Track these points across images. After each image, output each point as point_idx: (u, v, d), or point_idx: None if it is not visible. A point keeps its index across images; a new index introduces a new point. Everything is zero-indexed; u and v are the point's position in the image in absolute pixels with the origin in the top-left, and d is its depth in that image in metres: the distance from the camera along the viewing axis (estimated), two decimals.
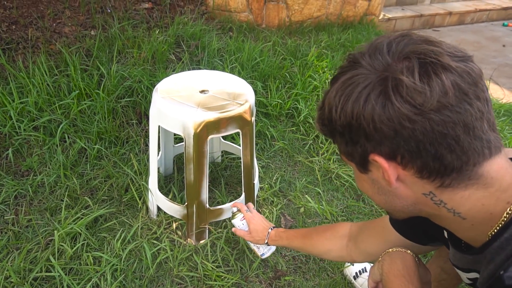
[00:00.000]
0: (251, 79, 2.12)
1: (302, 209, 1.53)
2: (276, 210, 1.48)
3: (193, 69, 2.15)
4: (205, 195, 1.26)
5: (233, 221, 1.20)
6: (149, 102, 1.85)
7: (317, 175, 1.73)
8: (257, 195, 1.49)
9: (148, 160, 1.62)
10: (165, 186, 1.56)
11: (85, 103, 1.77)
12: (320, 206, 1.51)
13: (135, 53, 2.10)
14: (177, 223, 1.37)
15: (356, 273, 1.26)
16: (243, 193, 1.35)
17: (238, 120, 1.17)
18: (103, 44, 2.16)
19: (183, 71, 2.11)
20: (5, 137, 1.67)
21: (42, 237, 1.29)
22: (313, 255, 1.08)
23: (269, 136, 1.90)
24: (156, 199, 1.36)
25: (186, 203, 1.27)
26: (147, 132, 1.79)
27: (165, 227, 1.37)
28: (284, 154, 1.83)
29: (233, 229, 1.21)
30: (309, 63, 2.43)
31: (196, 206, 1.27)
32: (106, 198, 1.47)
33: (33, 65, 1.92)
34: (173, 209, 1.31)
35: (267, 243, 1.13)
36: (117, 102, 1.82)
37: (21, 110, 1.72)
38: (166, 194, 1.50)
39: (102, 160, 1.63)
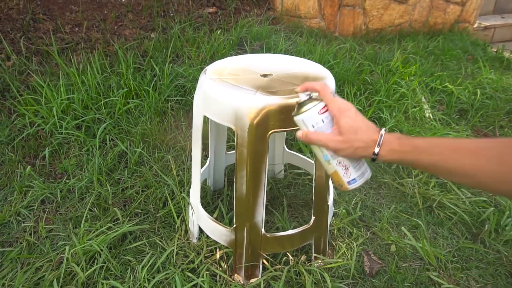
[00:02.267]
0: None
1: (393, 247, 1.10)
2: (356, 246, 1.08)
3: None
4: (260, 215, 0.91)
5: (302, 116, 0.67)
6: None
7: (411, 202, 1.29)
8: (330, 223, 1.10)
9: None
10: (212, 202, 1.25)
11: (133, 102, 1.56)
12: (420, 245, 1.07)
13: (194, 54, 1.89)
14: (221, 252, 1.04)
15: None
16: (313, 218, 0.98)
17: None
18: (161, 44, 1.99)
19: None
20: (46, 135, 1.51)
21: (56, 253, 1.03)
22: (484, 188, 0.57)
23: None
24: (198, 217, 1.04)
25: (234, 225, 0.93)
26: None
27: (206, 255, 1.04)
28: None
29: (299, 133, 0.68)
30: (393, 69, 2.02)
31: (248, 230, 0.92)
32: (140, 211, 1.19)
33: (87, 63, 1.79)
34: (218, 232, 0.98)
35: (374, 157, 0.63)
36: (167, 102, 1.59)
37: (66, 108, 1.55)
38: (211, 212, 1.18)
39: (143, 167, 1.37)
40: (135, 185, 1.30)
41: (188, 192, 1.19)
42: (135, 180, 1.32)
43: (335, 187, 0.69)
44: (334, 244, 1.10)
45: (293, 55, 1.94)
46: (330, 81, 0.89)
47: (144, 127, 1.47)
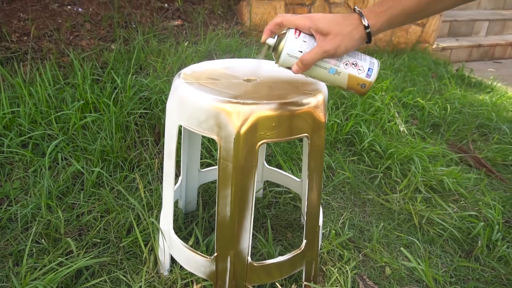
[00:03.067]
0: None
1: (388, 270, 1.01)
2: (349, 270, 0.97)
3: None
4: (246, 241, 0.78)
5: (284, 51, 0.64)
6: None
7: (398, 219, 1.21)
8: (320, 245, 0.99)
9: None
10: (184, 227, 1.10)
11: (90, 116, 1.38)
12: (421, 267, 0.98)
13: (159, 66, 1.75)
14: (199, 286, 0.88)
15: None
16: (304, 241, 0.86)
17: (307, 117, 0.72)
18: (122, 56, 1.84)
19: None
20: None
21: None
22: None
23: (325, 166, 1.43)
24: (170, 245, 0.89)
25: (216, 254, 0.79)
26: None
27: None
28: (347, 190, 1.34)
29: (294, 67, 0.65)
30: None
31: (232, 259, 0.79)
32: (99, 241, 1.01)
33: (36, 73, 1.59)
34: (195, 262, 0.83)
35: (368, 31, 0.62)
36: (130, 116, 1.43)
37: (9, 122, 1.35)
38: (184, 239, 1.03)
39: (102, 189, 1.19)
40: (93, 210, 1.12)
41: (157, 216, 1.03)
42: (92, 204, 1.14)
43: (360, 93, 0.68)
44: (324, 269, 0.99)
45: None
46: (322, 86, 0.80)
47: (104, 143, 1.30)
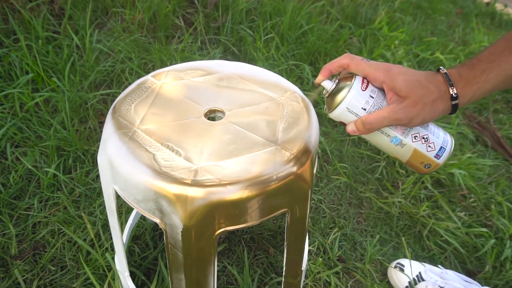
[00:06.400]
0: (295, 59, 1.43)
1: None
2: None
3: (209, 40, 1.46)
4: None
5: (343, 104, 0.50)
6: None
7: (397, 227, 1.08)
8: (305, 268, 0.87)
9: None
10: (151, 245, 0.97)
11: (42, 95, 1.16)
12: None
13: (127, 15, 1.44)
14: None
15: (409, 283, 0.88)
16: None
17: (286, 191, 0.52)
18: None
19: (194, 42, 1.44)
20: None
21: None
22: None
23: (319, 152, 1.25)
24: None
25: None
26: None
27: None
28: (343, 185, 1.18)
29: (351, 127, 0.51)
30: (377, 32, 1.68)
31: None
32: (54, 268, 0.90)
33: None
34: None
35: (455, 103, 0.48)
36: (91, 92, 1.20)
37: None
38: (152, 263, 0.91)
39: (60, 192, 1.04)
40: (49, 222, 0.98)
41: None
42: (51, 212, 1.00)
43: (421, 172, 0.55)
44: None
45: (256, 17, 1.54)
46: (313, 126, 0.58)
47: (59, 134, 1.10)
